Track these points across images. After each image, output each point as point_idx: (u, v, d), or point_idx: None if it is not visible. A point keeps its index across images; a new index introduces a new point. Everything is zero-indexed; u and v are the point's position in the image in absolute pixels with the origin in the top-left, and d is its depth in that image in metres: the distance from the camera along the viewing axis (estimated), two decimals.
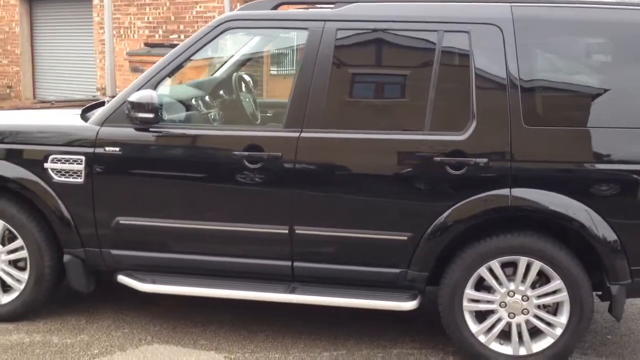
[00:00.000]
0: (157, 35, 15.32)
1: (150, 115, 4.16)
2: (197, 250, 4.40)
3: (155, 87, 4.31)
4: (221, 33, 4.34)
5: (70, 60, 17.40)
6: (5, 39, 18.25)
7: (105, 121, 4.38)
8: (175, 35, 14.95)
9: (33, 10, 18.05)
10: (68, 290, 4.72)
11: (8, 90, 18.57)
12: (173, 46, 13.88)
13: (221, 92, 5.32)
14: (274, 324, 4.71)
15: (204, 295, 4.38)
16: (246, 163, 4.20)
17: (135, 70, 14.60)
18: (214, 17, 14.33)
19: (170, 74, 4.42)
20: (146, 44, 14.60)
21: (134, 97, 4.19)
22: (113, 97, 4.94)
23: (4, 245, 4.58)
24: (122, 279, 4.47)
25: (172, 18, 14.96)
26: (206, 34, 4.35)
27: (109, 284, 4.69)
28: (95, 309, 4.88)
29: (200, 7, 14.63)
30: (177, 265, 4.44)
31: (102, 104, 4.93)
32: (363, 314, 4.56)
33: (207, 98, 5.07)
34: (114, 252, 4.47)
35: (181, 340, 4.47)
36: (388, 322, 4.71)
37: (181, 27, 14.86)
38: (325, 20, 4.21)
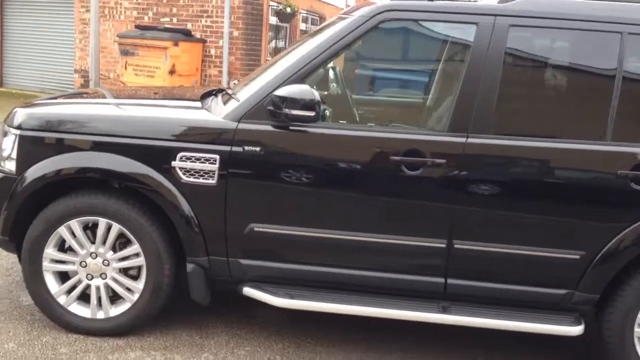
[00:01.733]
0: (146, 18, 14.66)
1: (311, 113, 3.73)
2: (338, 263, 3.99)
3: (302, 82, 3.88)
4: (377, 24, 3.94)
5: (45, 41, 16.55)
6: None
7: (243, 117, 3.92)
8: (167, 19, 14.35)
9: None
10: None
11: None
12: (167, 30, 13.41)
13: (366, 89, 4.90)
14: (412, 344, 4.34)
15: (347, 313, 3.97)
16: (404, 169, 3.81)
17: (126, 53, 13.95)
18: (210, 1, 13.81)
19: (318, 68, 3.99)
20: (137, 27, 13.94)
21: (285, 92, 3.75)
22: (227, 88, 4.47)
23: (114, 251, 4.08)
24: (250, 291, 4.04)
25: (164, 0, 14.34)
26: (359, 26, 3.93)
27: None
28: (201, 322, 4.42)
29: None
30: (313, 278, 4.03)
31: (212, 93, 4.49)
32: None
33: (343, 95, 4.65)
34: (243, 261, 4.02)
35: None
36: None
37: (174, 10, 14.27)
38: (496, 15, 3.85)
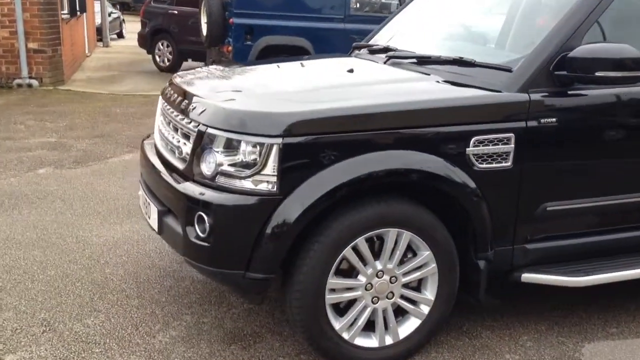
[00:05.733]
0: None
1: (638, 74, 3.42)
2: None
3: (581, 41, 3.54)
4: None
5: None
6: None
7: (529, 85, 3.48)
8: None
9: None
10: None
11: None
12: None
13: None
14: None
15: None
16: None
17: None
18: None
19: (593, 22, 3.63)
20: None
21: (594, 53, 3.38)
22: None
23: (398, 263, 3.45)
24: (532, 277, 3.66)
25: None
26: None
27: None
28: None
29: None
30: (610, 246, 3.83)
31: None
32: None
33: None
34: (529, 246, 3.66)
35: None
36: None
37: None
38: None
